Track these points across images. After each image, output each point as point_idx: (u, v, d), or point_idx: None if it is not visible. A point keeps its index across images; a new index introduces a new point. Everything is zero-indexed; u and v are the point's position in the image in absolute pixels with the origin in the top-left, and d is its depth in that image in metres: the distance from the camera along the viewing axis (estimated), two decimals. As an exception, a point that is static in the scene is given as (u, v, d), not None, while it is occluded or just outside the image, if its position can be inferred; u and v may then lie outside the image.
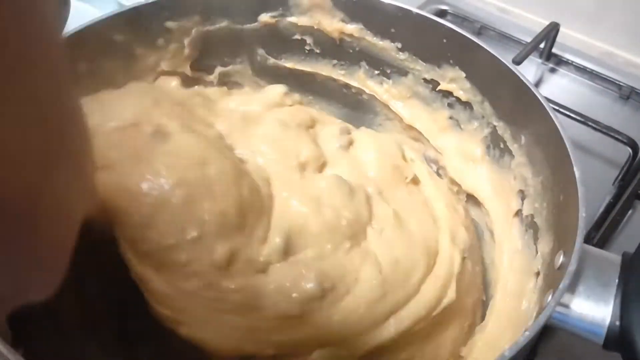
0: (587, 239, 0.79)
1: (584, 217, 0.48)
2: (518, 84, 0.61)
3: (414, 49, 0.72)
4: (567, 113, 0.91)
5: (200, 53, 0.75)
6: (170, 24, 0.70)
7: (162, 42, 0.71)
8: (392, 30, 0.72)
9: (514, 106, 0.64)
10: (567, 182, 0.53)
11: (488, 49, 0.64)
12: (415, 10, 0.69)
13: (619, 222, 0.82)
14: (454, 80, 0.70)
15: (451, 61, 0.69)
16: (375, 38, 0.73)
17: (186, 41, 0.72)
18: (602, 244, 0.79)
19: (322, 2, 0.72)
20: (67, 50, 0.60)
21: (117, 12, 0.66)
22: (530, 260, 0.60)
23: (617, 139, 0.87)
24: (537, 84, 1.07)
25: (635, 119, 1.00)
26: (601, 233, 0.80)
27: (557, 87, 1.07)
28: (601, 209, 0.83)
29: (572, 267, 0.46)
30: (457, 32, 0.67)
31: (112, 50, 0.67)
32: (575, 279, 0.47)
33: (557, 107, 0.92)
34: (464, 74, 0.69)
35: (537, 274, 0.57)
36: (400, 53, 0.73)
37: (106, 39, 0.66)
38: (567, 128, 0.93)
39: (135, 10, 0.67)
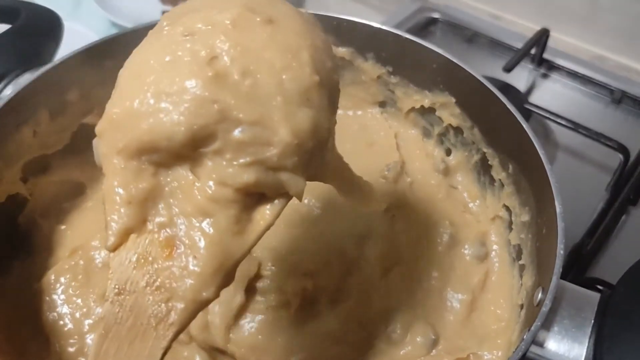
0: (581, 246, 0.78)
1: (562, 255, 0.47)
2: (506, 112, 0.60)
3: (405, 74, 0.72)
4: (558, 121, 0.90)
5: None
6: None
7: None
8: (383, 54, 0.71)
9: (502, 134, 0.63)
10: (549, 216, 0.52)
11: (477, 76, 0.63)
12: (404, 34, 0.68)
13: (613, 228, 0.81)
14: (444, 106, 0.69)
15: (441, 86, 0.69)
16: (366, 62, 0.73)
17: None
18: (596, 250, 0.78)
19: (313, 26, 0.72)
20: (59, 77, 0.62)
21: (108, 38, 0.67)
22: (516, 292, 0.59)
23: (608, 145, 0.86)
24: (529, 91, 1.06)
25: (627, 124, 0.99)
26: (595, 239, 0.79)
27: (549, 93, 1.06)
28: (594, 216, 0.82)
29: (545, 308, 0.45)
30: (446, 57, 0.66)
31: (103, 75, 0.68)
32: (551, 317, 0.47)
33: (548, 115, 0.92)
34: (454, 99, 0.68)
35: (521, 306, 0.56)
36: (392, 77, 0.73)
37: (97, 64, 0.67)
38: (558, 135, 0.95)
39: (126, 37, 0.68)
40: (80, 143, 0.69)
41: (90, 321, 0.57)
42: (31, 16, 0.67)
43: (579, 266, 0.76)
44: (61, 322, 0.58)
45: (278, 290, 0.57)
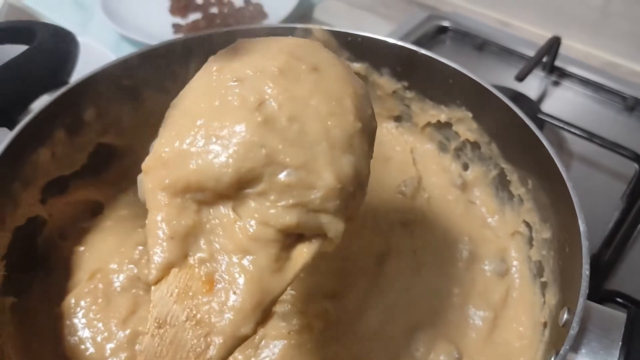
0: (598, 257, 0.78)
1: (587, 276, 0.47)
2: (525, 128, 0.60)
3: (420, 89, 0.71)
4: (573, 130, 0.90)
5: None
6: (177, 68, 0.71)
7: (170, 85, 0.72)
8: (399, 69, 0.71)
9: (520, 149, 0.63)
10: (572, 234, 0.52)
11: (495, 92, 0.63)
12: (420, 50, 0.68)
13: (629, 237, 0.80)
14: (461, 121, 0.69)
15: (458, 101, 0.68)
16: (381, 77, 0.72)
17: (194, 82, 0.73)
18: (614, 261, 0.78)
19: (327, 41, 0.72)
20: (76, 98, 0.62)
21: (124, 58, 0.67)
22: (538, 309, 0.59)
23: (623, 154, 0.86)
24: (541, 99, 1.06)
25: (640, 131, 0.98)
26: (612, 250, 0.78)
27: (561, 101, 1.06)
28: (610, 226, 0.82)
29: (574, 331, 0.45)
30: (463, 73, 0.66)
31: (119, 94, 0.68)
32: (578, 339, 0.46)
33: (562, 125, 0.92)
34: (470, 115, 0.68)
35: (545, 324, 0.56)
36: (408, 92, 0.72)
37: (113, 84, 0.67)
38: (572, 143, 0.94)
39: (142, 56, 0.68)
40: (97, 163, 0.69)
41: (112, 345, 0.57)
42: (47, 36, 0.66)
43: (597, 278, 0.76)
44: (82, 347, 0.58)
45: (299, 313, 0.56)
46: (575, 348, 0.46)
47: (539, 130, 0.58)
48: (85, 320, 0.59)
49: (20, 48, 0.67)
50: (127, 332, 0.58)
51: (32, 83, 0.63)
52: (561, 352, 0.44)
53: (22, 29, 0.68)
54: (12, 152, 0.58)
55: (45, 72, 0.64)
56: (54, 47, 0.65)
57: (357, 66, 0.73)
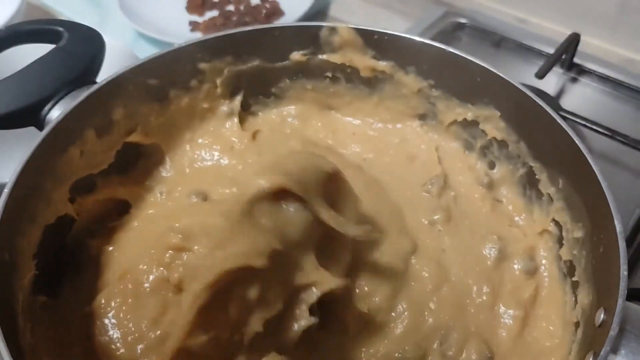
0: None
1: (625, 277, 0.47)
2: (556, 127, 0.60)
3: (447, 87, 0.71)
4: (595, 127, 0.90)
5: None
6: (203, 66, 0.71)
7: (195, 83, 0.72)
8: (425, 67, 0.71)
9: (551, 148, 0.63)
10: (607, 234, 0.52)
11: (525, 90, 0.63)
12: (448, 48, 0.68)
13: None
14: (488, 119, 0.69)
15: (485, 99, 0.68)
16: (407, 76, 0.72)
17: (218, 81, 0.73)
18: (636, 259, 0.78)
19: (353, 40, 0.72)
20: (105, 97, 0.62)
21: (151, 58, 0.67)
22: (569, 308, 0.59)
23: None
24: (559, 95, 1.06)
25: (660, 128, 0.98)
26: (634, 248, 0.78)
27: (580, 98, 1.06)
28: (632, 223, 0.82)
29: (614, 332, 0.44)
30: (491, 71, 0.66)
31: (146, 93, 0.68)
32: (617, 340, 0.46)
33: (584, 123, 0.92)
34: (498, 113, 0.68)
35: (577, 324, 0.56)
36: (434, 90, 0.72)
37: (141, 83, 0.67)
38: (594, 141, 0.94)
39: (168, 55, 0.68)
40: (124, 162, 0.69)
41: (142, 346, 0.57)
42: (74, 36, 0.66)
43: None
44: (113, 347, 0.57)
45: (336, 318, 0.56)
46: (614, 349, 0.46)
47: (572, 131, 0.58)
48: (115, 320, 0.58)
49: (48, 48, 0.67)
50: (158, 333, 0.57)
51: (61, 83, 0.63)
52: (602, 353, 0.44)
53: (49, 29, 0.68)
54: (44, 151, 0.58)
55: (74, 71, 0.64)
56: (83, 46, 0.65)
57: (383, 64, 0.73)
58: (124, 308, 0.59)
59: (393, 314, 0.59)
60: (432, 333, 0.59)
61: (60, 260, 0.63)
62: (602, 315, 0.49)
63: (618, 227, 0.50)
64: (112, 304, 0.59)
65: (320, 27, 0.72)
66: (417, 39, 0.69)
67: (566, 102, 1.04)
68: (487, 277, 0.63)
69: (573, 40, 1.04)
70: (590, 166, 0.55)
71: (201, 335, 0.51)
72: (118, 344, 0.57)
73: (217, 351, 0.52)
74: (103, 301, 0.60)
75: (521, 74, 1.07)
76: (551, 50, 1.04)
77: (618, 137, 0.89)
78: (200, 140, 0.75)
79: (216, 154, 0.74)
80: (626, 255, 0.48)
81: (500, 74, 0.65)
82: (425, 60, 0.70)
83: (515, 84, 0.63)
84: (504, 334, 0.60)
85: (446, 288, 0.62)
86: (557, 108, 0.96)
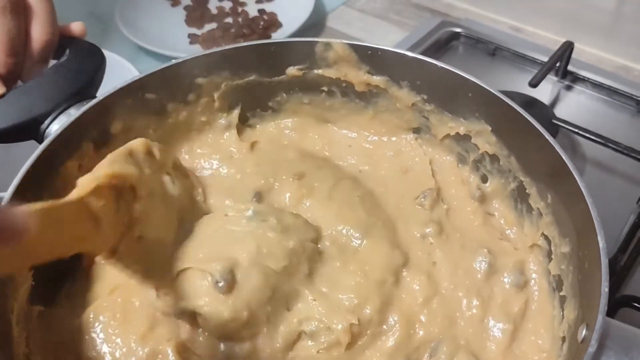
0: (614, 262, 0.79)
1: (607, 293, 0.48)
2: (544, 142, 0.61)
3: (439, 101, 0.72)
4: (588, 135, 0.91)
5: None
6: (200, 81, 0.72)
7: (193, 97, 0.73)
8: (418, 82, 0.72)
9: (540, 164, 0.64)
10: (591, 250, 0.53)
11: (515, 107, 0.64)
12: (440, 64, 0.69)
13: None
14: (480, 134, 0.70)
15: (477, 114, 0.69)
16: (401, 90, 0.73)
17: (216, 95, 0.75)
18: (630, 265, 0.79)
19: (348, 55, 0.73)
20: (104, 111, 0.63)
21: (149, 73, 0.68)
22: (557, 323, 0.60)
23: (637, 159, 0.87)
24: (554, 103, 1.08)
25: (655, 135, 0.99)
26: (628, 255, 0.79)
27: (574, 105, 1.07)
28: (626, 230, 0.83)
29: (592, 349, 0.45)
30: (483, 87, 0.67)
31: (144, 107, 0.70)
32: (597, 356, 0.47)
33: (577, 131, 0.93)
34: (489, 128, 0.69)
35: (563, 339, 0.57)
36: (427, 104, 0.73)
37: (139, 97, 0.69)
38: (586, 147, 0.95)
39: (166, 71, 0.69)
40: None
41: None
42: (76, 51, 0.68)
43: (612, 282, 0.77)
44: (102, 362, 0.58)
45: (327, 330, 0.57)
46: (594, 365, 0.47)
47: (561, 149, 0.58)
48: (103, 335, 0.59)
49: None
50: (147, 349, 0.57)
51: (61, 97, 0.65)
52: (580, 371, 0.45)
53: (51, 44, 0.70)
54: (42, 164, 0.59)
55: (74, 86, 0.66)
56: (84, 62, 0.67)
57: (377, 79, 0.74)
58: (112, 323, 0.59)
59: (384, 326, 0.60)
60: (423, 346, 0.60)
61: (57, 270, 0.64)
62: (584, 331, 0.50)
63: (601, 244, 0.51)
64: (101, 318, 0.60)
65: (315, 42, 0.73)
66: (410, 54, 0.71)
67: (561, 110, 1.05)
68: (477, 290, 0.64)
69: (567, 48, 1.05)
70: (577, 182, 0.56)
71: None
72: (106, 359, 0.57)
73: None
74: (92, 315, 0.60)
75: (516, 83, 1.08)
76: (545, 59, 1.05)
77: (611, 145, 0.90)
78: (199, 150, 0.77)
79: (215, 162, 0.76)
80: (608, 272, 0.49)
81: (491, 90, 0.66)
82: (418, 75, 0.72)
83: (505, 100, 0.64)
84: (493, 347, 0.61)
85: (437, 301, 0.63)
86: (551, 116, 0.97)
